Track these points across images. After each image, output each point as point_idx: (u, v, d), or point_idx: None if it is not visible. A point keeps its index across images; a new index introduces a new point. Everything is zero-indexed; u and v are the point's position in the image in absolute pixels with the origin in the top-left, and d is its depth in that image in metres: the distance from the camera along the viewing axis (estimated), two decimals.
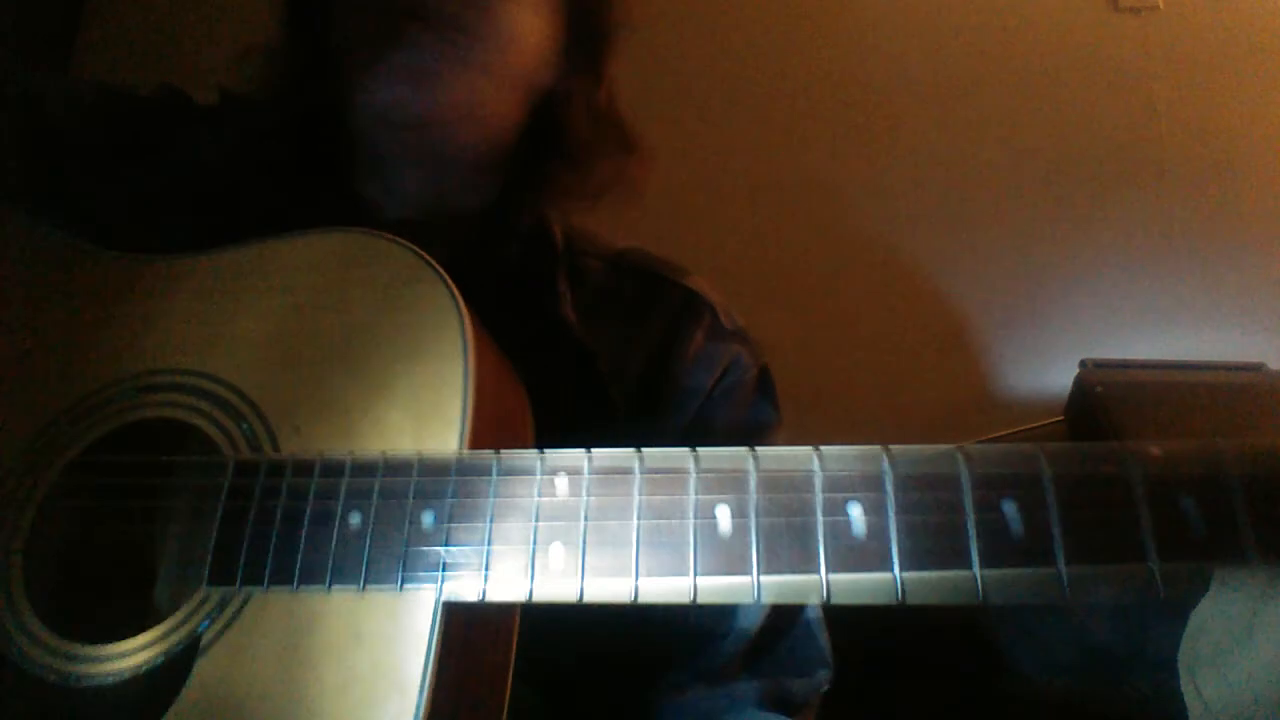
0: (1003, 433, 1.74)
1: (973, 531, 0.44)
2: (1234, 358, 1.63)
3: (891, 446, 0.47)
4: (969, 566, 0.44)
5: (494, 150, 0.81)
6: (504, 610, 0.56)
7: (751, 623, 0.74)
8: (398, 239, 0.61)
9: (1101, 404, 1.52)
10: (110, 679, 0.53)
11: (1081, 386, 1.59)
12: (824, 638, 0.77)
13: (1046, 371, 1.74)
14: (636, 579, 0.47)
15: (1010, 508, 0.44)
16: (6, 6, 1.58)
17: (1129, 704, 1.18)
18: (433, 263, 0.59)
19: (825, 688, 0.75)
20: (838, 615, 0.78)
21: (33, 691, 0.53)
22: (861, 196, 1.85)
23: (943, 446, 0.47)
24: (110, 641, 0.54)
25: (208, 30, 1.83)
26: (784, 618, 0.75)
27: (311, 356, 0.58)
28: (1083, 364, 1.62)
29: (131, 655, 0.53)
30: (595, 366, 0.75)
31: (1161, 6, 1.81)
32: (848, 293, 1.83)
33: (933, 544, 0.44)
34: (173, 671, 0.51)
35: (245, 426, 0.57)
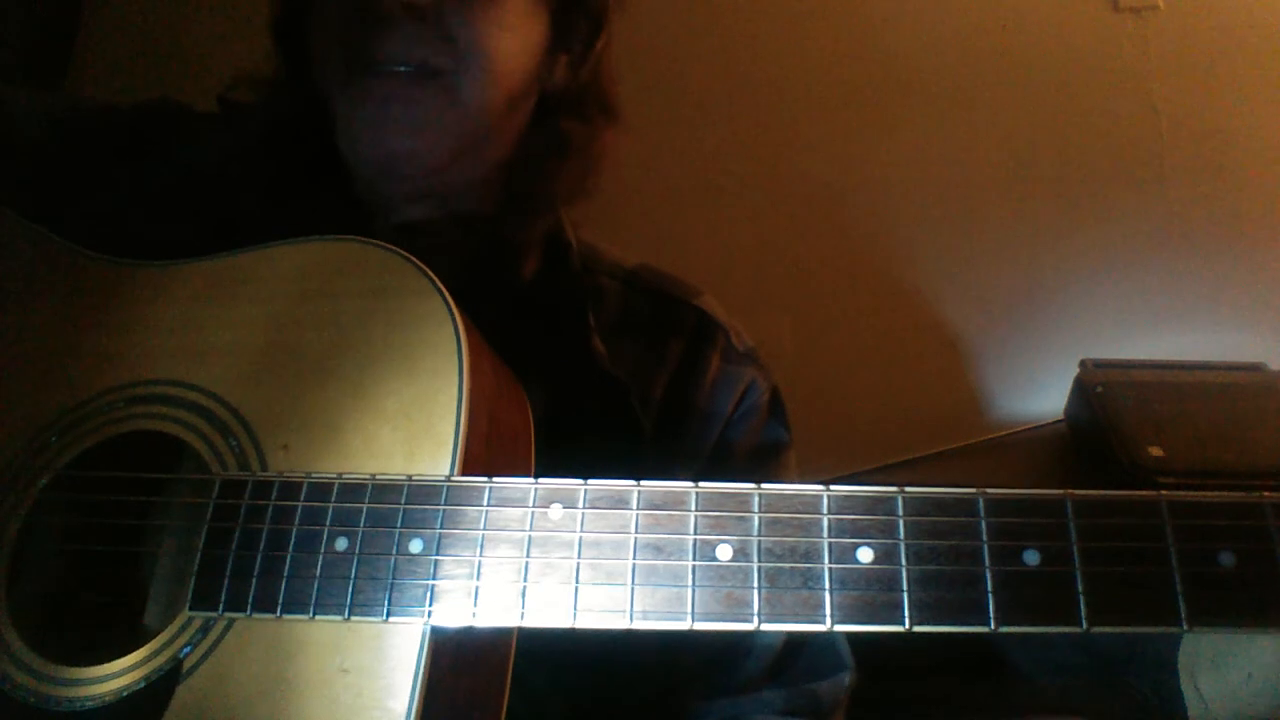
0: (1003, 433, 1.74)
1: (990, 584, 0.42)
2: (1234, 358, 1.63)
3: (907, 488, 0.45)
4: (985, 623, 0.42)
5: (499, 165, 0.79)
6: (498, 637, 0.55)
7: (775, 638, 0.74)
8: (395, 248, 0.59)
9: (1101, 404, 1.52)
10: (91, 703, 0.51)
11: (1081, 386, 1.59)
12: (843, 642, 0.77)
13: (1046, 371, 1.73)
14: (631, 619, 0.46)
15: (1032, 559, 0.42)
16: (6, 8, 1.58)
17: (1129, 704, 1.18)
18: (430, 274, 0.57)
19: (849, 686, 0.75)
20: None
21: (12, 715, 0.52)
22: (860, 197, 1.85)
23: (962, 490, 0.44)
24: (94, 664, 0.53)
25: (206, 32, 1.82)
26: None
27: (301, 369, 0.56)
28: (1083, 364, 1.62)
29: (113, 679, 0.52)
30: (624, 396, 0.75)
31: (1161, 6, 1.81)
32: (847, 293, 1.83)
33: (948, 595, 0.43)
34: (154, 697, 0.50)
35: (233, 442, 0.55)
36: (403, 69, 0.69)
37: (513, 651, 0.56)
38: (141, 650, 0.52)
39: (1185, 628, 0.40)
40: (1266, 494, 0.41)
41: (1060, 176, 1.80)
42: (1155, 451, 1.40)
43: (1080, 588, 0.41)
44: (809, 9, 1.90)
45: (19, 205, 0.73)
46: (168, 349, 0.60)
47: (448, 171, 0.74)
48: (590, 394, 0.74)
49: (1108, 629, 0.41)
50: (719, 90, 1.88)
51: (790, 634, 0.74)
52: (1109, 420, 1.49)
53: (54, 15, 1.79)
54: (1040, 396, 1.73)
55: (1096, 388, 1.55)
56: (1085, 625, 0.41)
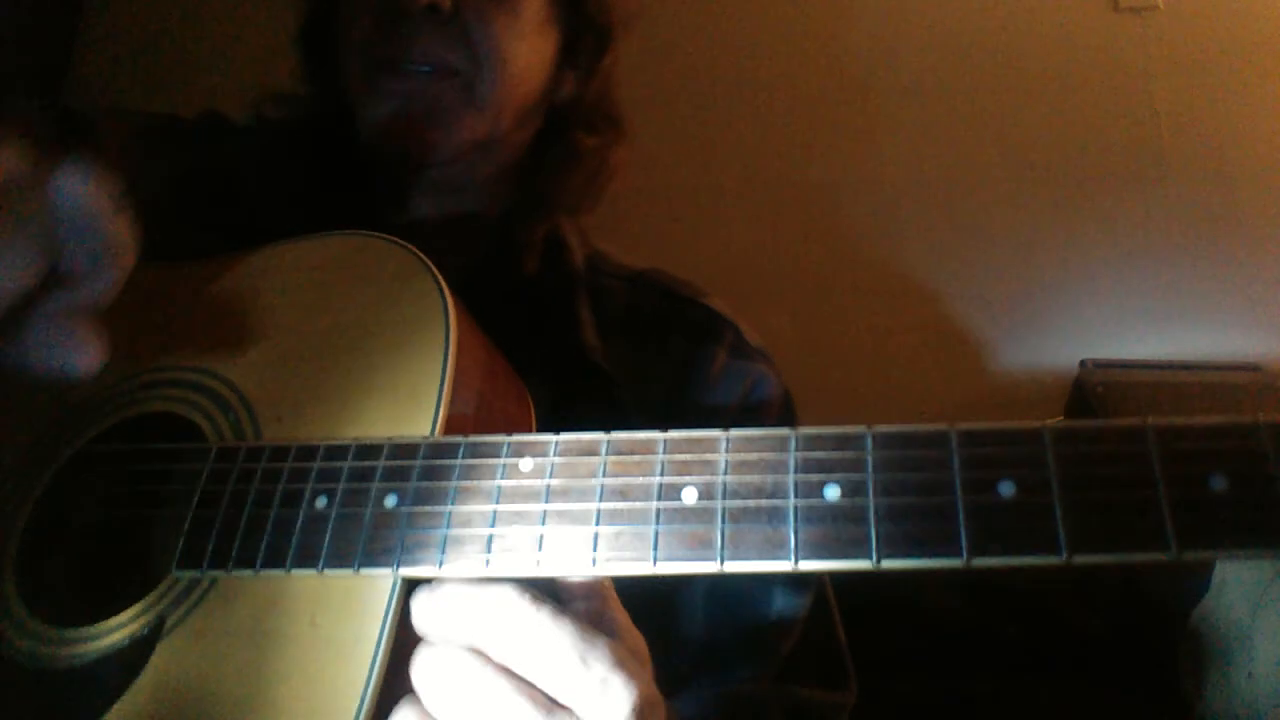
0: None
1: (963, 514, 0.41)
2: (1234, 358, 1.63)
3: (877, 426, 0.45)
4: (957, 554, 0.40)
5: (511, 168, 0.84)
6: None
7: (794, 610, 0.74)
8: (395, 239, 0.62)
9: (1101, 404, 1.52)
10: (78, 661, 0.53)
11: (1081, 386, 1.59)
12: (848, 660, 0.76)
13: (1046, 371, 1.73)
14: (594, 564, 0.46)
15: (1007, 489, 0.41)
16: (7, 5, 1.58)
17: (1128, 704, 1.18)
18: (424, 259, 0.60)
19: (846, 706, 0.74)
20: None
21: (6, 674, 0.54)
22: (861, 196, 1.85)
23: (933, 425, 0.43)
24: (87, 624, 0.55)
25: (206, 32, 1.83)
26: (814, 630, 0.75)
27: (303, 352, 0.59)
28: (1083, 364, 1.62)
29: (102, 638, 0.54)
30: (609, 387, 0.75)
31: (1161, 6, 1.81)
32: (847, 293, 1.83)
33: (918, 528, 0.41)
34: (136, 653, 0.52)
35: (231, 416, 0.58)
36: (424, 69, 0.74)
37: None
38: (131, 609, 0.54)
39: (1175, 552, 0.38)
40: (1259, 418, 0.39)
41: (1060, 176, 1.80)
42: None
43: (1058, 517, 0.40)
44: (808, 10, 1.90)
45: None
46: (181, 341, 0.64)
47: (462, 165, 0.79)
48: (582, 387, 0.75)
49: (1090, 558, 0.39)
50: (718, 90, 1.88)
51: (794, 645, 0.73)
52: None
53: (54, 15, 1.79)
54: (1040, 396, 1.73)
55: (1096, 388, 1.55)
56: (1065, 555, 0.39)
